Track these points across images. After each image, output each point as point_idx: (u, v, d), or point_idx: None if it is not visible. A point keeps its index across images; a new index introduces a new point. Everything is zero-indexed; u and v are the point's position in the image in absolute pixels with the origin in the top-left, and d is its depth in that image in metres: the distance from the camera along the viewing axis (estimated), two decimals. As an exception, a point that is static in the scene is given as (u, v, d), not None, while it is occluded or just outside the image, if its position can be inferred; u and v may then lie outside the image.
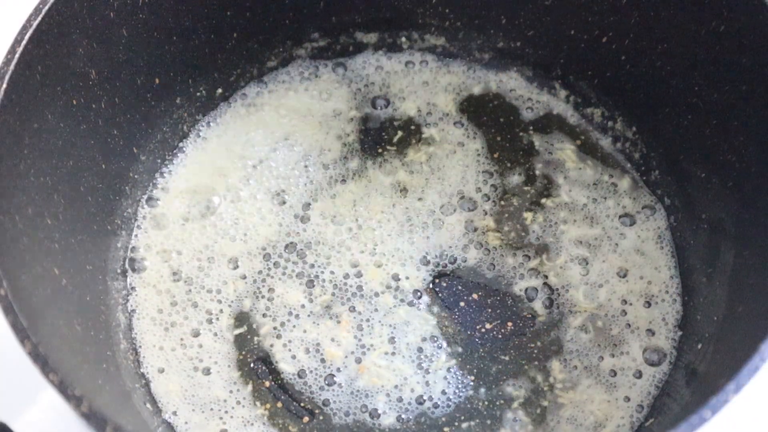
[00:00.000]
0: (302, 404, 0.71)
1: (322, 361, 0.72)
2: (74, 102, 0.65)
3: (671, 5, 0.70)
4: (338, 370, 0.72)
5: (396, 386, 0.71)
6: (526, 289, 0.76)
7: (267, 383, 0.71)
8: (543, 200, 0.80)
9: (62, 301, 0.62)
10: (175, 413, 0.70)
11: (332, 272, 0.76)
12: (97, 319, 0.68)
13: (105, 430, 0.48)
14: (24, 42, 0.59)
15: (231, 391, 0.71)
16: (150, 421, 0.67)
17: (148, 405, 0.69)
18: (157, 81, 0.75)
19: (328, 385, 0.71)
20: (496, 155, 0.82)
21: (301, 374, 0.72)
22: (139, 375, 0.71)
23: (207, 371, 0.72)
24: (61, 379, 0.50)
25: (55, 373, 0.50)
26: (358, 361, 0.72)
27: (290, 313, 0.74)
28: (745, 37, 0.65)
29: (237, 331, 0.73)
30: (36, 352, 0.50)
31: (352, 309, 0.74)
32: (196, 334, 0.73)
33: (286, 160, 0.81)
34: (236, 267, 0.76)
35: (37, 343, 0.50)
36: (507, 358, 0.73)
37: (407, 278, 0.76)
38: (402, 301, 0.75)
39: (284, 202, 0.79)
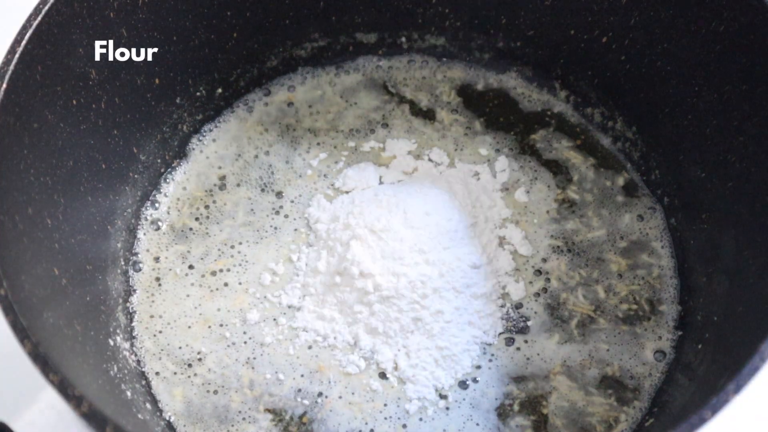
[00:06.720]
0: (300, 405, 0.71)
1: (320, 365, 0.72)
2: (74, 102, 0.65)
3: (671, 5, 0.70)
4: (329, 380, 0.72)
5: (396, 386, 0.71)
6: (526, 290, 0.76)
7: (268, 383, 0.71)
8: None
9: (62, 301, 0.62)
10: (175, 414, 0.70)
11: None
12: (97, 319, 0.68)
13: (105, 430, 0.48)
14: (24, 42, 0.59)
15: (231, 392, 0.71)
16: (150, 421, 0.67)
17: (148, 405, 0.69)
18: (157, 81, 0.75)
19: (324, 394, 0.71)
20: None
21: (301, 375, 0.72)
22: (140, 375, 0.71)
23: (208, 376, 0.72)
24: (61, 379, 0.50)
25: (55, 373, 0.50)
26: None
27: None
28: (745, 37, 0.65)
29: (234, 338, 0.73)
30: (36, 352, 0.50)
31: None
32: (194, 340, 0.73)
33: (286, 161, 0.82)
34: (231, 268, 0.76)
35: (37, 343, 0.50)
36: (507, 359, 0.73)
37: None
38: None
39: (283, 203, 0.79)
